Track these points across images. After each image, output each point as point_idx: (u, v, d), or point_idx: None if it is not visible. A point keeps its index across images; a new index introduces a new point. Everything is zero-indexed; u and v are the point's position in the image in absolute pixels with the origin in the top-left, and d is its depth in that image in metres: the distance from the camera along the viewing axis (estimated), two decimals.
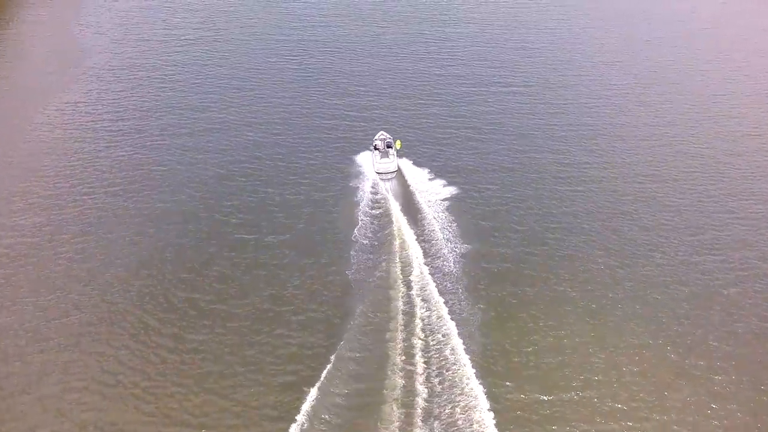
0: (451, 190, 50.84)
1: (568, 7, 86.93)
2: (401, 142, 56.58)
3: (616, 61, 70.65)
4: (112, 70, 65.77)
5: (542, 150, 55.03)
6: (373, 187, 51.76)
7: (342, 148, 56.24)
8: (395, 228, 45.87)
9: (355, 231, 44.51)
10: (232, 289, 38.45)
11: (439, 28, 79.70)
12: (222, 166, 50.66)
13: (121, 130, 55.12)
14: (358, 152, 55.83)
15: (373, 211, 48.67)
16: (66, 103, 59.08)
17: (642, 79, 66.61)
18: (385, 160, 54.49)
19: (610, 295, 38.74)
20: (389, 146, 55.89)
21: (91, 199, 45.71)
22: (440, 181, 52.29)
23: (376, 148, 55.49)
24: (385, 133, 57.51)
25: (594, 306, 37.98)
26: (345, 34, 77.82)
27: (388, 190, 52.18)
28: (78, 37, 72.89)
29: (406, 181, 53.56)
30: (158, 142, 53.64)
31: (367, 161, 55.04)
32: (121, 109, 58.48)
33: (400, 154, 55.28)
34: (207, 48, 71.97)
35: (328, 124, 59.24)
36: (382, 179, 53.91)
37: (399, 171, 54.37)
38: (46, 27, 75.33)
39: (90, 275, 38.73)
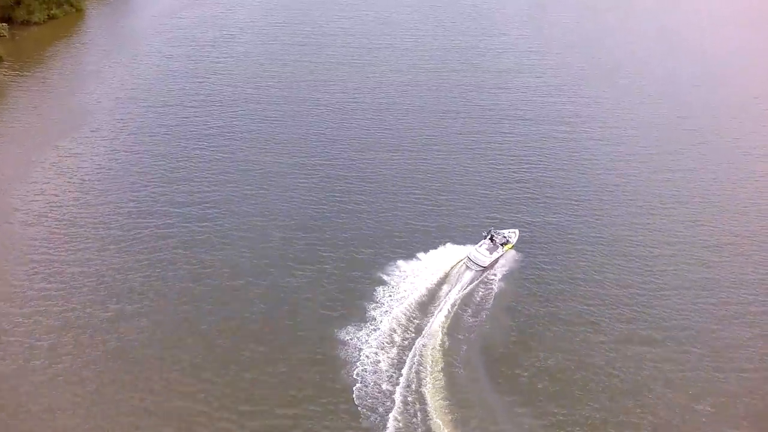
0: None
1: None
2: (513, 247, 55.45)
3: None
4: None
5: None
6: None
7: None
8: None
9: None
10: None
11: None
12: None
13: None
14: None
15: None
16: None
17: None
18: (484, 251, 53.46)
19: None
20: (503, 244, 54.83)
21: None
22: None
23: (491, 238, 54.70)
24: (515, 233, 56.41)
25: None
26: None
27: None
28: (14, 226, 56.80)
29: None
30: None
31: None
32: None
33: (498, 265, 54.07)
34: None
35: None
36: (467, 266, 53.17)
37: (487, 270, 53.02)
38: None
39: None
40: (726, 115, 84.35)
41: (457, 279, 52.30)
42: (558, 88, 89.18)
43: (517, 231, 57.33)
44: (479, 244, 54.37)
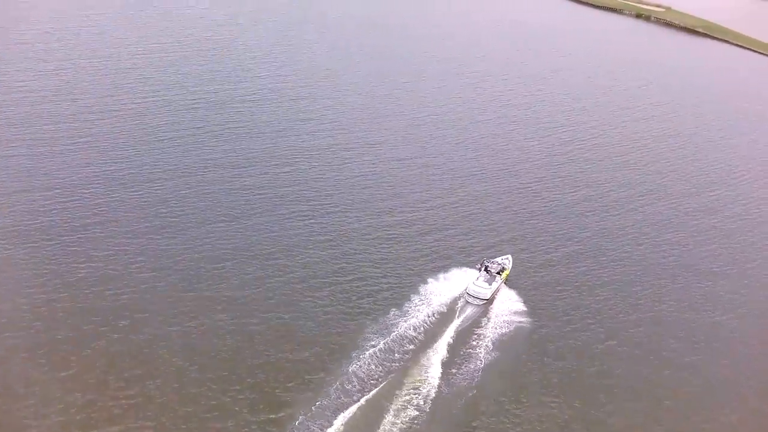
0: None
1: None
2: (508, 273, 53.50)
3: None
4: None
5: None
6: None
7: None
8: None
9: None
10: None
11: None
12: None
13: None
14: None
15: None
16: None
17: None
18: (483, 283, 51.15)
19: None
20: (499, 272, 52.66)
21: None
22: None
23: (486, 269, 52.37)
24: (508, 259, 54.62)
25: None
26: None
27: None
28: None
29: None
30: None
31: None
32: None
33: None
34: None
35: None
36: (468, 302, 50.78)
37: (489, 302, 50.94)
38: None
39: None
40: None
41: (457, 314, 49.34)
42: None
43: (509, 256, 55.14)
44: (476, 277, 51.87)
